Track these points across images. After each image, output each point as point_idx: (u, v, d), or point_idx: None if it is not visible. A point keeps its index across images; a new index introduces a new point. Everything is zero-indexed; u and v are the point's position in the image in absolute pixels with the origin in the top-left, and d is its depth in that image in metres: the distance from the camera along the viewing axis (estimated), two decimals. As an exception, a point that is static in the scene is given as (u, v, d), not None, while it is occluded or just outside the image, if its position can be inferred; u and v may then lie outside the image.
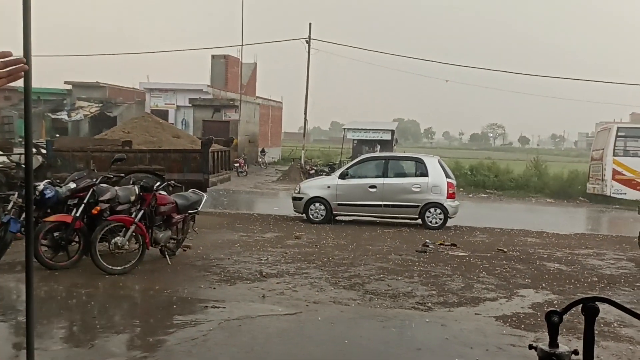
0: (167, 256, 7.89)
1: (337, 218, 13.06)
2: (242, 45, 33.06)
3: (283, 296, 6.38)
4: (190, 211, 8.34)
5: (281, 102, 44.56)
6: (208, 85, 33.26)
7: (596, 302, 1.60)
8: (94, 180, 7.46)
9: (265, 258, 8.43)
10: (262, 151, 34.29)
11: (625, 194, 20.05)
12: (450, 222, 12.79)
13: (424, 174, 12.83)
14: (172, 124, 24.86)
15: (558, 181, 24.14)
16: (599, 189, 21.02)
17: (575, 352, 1.63)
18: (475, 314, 6.00)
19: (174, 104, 32.26)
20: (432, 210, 12.60)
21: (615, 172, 20.42)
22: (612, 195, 20.47)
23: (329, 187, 13.03)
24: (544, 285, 7.40)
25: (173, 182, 8.33)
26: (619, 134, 20.98)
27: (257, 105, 36.71)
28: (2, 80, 1.73)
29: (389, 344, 4.98)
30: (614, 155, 20.59)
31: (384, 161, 13.51)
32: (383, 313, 5.89)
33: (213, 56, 36.35)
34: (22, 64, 1.76)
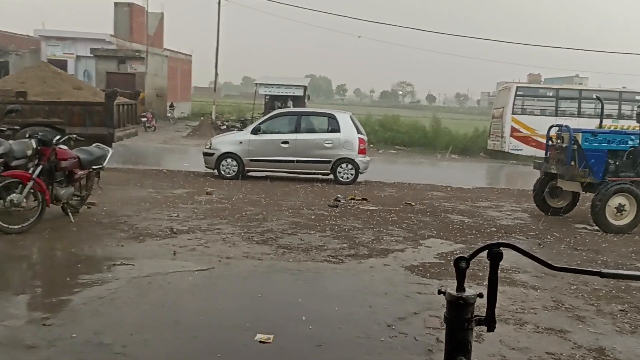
0: (69, 214, 7.51)
1: (249, 174, 12.96)
2: (147, -8, 31.35)
3: (195, 252, 6.29)
4: (94, 167, 7.94)
5: (190, 55, 43.00)
6: (111, 35, 31.40)
7: (500, 248, 1.67)
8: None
9: (176, 215, 8.24)
10: (171, 106, 33.11)
11: (522, 150, 21.30)
12: (361, 177, 13.06)
13: (336, 129, 12.94)
14: (72, 75, 23.35)
15: (462, 138, 25.25)
16: (499, 145, 22.20)
17: (480, 295, 1.70)
18: (385, 264, 6.21)
19: (73, 54, 30.22)
20: (343, 165, 12.80)
21: (513, 130, 21.61)
22: (510, 151, 21.70)
23: (241, 142, 12.86)
24: (448, 236, 7.77)
25: (75, 135, 7.86)
26: (518, 93, 22.12)
27: (165, 58, 35.21)
28: None
29: (302, 295, 5.07)
30: (512, 113, 21.73)
31: (296, 117, 13.48)
32: (296, 266, 5.96)
33: (116, 4, 34.26)
34: None
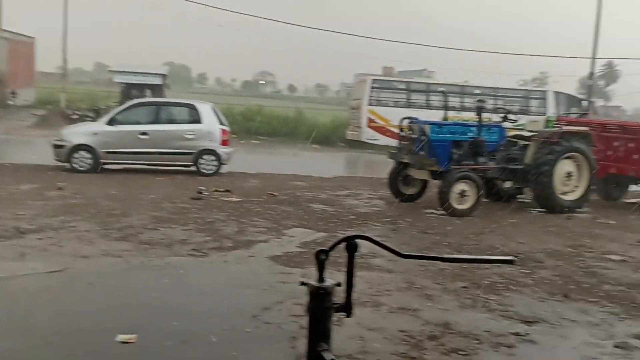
0: None
1: (106, 167, 12.31)
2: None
3: (47, 253, 5.89)
4: None
5: (34, 38, 39.50)
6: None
7: (356, 240, 1.81)
8: None
9: (23, 212, 7.63)
10: (13, 93, 30.24)
11: (378, 139, 22.42)
12: (224, 169, 12.99)
13: (198, 120, 12.72)
14: None
15: (322, 128, 25.98)
16: (357, 135, 23.19)
17: (339, 284, 1.83)
18: (249, 256, 6.29)
19: None
20: (206, 157, 12.63)
21: (369, 120, 22.67)
22: (367, 141, 22.74)
23: (95, 133, 12.17)
24: (310, 225, 8.03)
25: None
26: (374, 85, 23.24)
27: (3, 40, 32.02)
28: None
29: (165, 292, 4.98)
30: (369, 105, 22.79)
31: (155, 107, 13.04)
32: (158, 262, 5.83)
33: (-58, -23, 30.46)
34: None
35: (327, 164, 18.34)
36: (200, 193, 10.00)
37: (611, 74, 66.26)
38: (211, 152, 12.64)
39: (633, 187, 12.77)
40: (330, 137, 25.10)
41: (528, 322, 4.65)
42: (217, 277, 5.52)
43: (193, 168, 12.63)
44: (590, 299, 5.36)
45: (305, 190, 11.36)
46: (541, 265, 6.54)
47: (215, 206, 9.02)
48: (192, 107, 13.05)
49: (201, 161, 12.59)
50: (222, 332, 4.17)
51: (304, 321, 4.47)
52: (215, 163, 12.67)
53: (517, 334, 4.38)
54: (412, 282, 5.56)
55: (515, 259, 1.99)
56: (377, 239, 1.84)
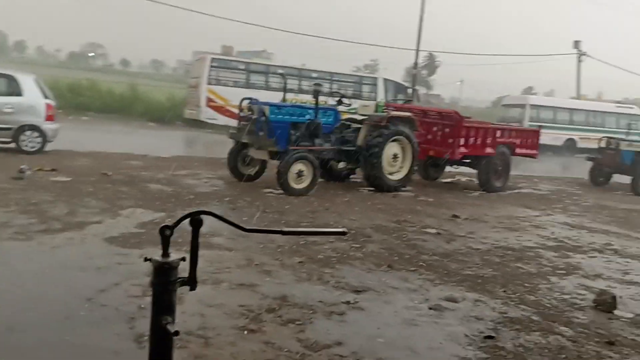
0: None
1: None
2: None
3: None
4: None
5: None
6: None
7: (201, 215, 1.88)
8: None
9: None
10: None
11: (217, 119, 22.24)
12: (49, 146, 12.03)
13: (18, 93, 11.60)
14: None
15: (159, 106, 25.08)
16: (195, 114, 22.75)
17: (183, 259, 1.89)
18: (82, 238, 5.98)
19: None
20: (28, 133, 11.61)
21: (208, 100, 22.37)
22: (206, 120, 22.45)
23: None
24: (147, 205, 7.81)
25: None
26: (213, 64, 22.92)
27: None
28: None
29: (-16, 279, 4.57)
30: (207, 83, 22.46)
31: (-35, 76, 11.61)
32: (-25, 247, 5.31)
33: None
34: None
35: (165, 143, 17.80)
36: (22, 172, 9.19)
37: (432, 64, 72.25)
38: (34, 127, 11.63)
39: (448, 168, 14.24)
40: (167, 115, 24.32)
41: (357, 291, 5.06)
42: (46, 260, 5.18)
43: (13, 145, 11.52)
44: (411, 268, 5.97)
45: (141, 169, 10.97)
46: (370, 239, 7.09)
47: (41, 186, 8.37)
48: (11, 78, 11.84)
49: (22, 138, 11.54)
50: (53, 317, 3.96)
51: (143, 301, 4.45)
52: (39, 140, 11.69)
53: (347, 303, 4.75)
54: (252, 259, 5.73)
55: (346, 230, 2.21)
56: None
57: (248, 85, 22.86)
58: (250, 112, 10.31)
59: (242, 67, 23.85)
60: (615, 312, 5.12)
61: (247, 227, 2.04)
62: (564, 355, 4.09)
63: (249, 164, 10.69)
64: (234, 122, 12.35)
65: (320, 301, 4.73)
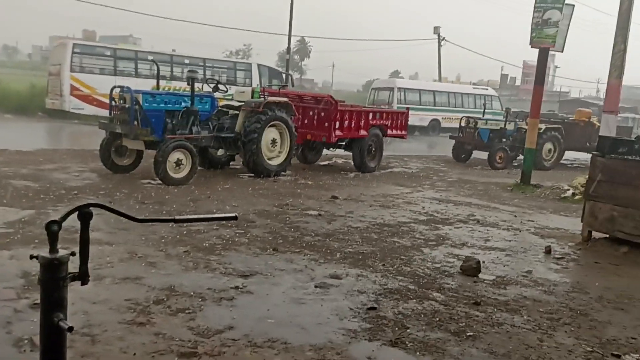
0: None
1: None
2: None
3: None
4: None
5: None
6: None
7: (90, 208, 1.86)
8: None
9: None
10: None
11: (84, 109, 20.99)
12: None
13: None
14: None
15: (16, 96, 23.12)
16: (59, 104, 21.27)
17: (73, 254, 1.86)
18: (-61, 243, 5.46)
19: None
20: None
21: (73, 88, 21.00)
22: (72, 110, 21.09)
23: None
24: (13, 203, 7.27)
25: None
26: (75, 50, 21.51)
27: None
28: None
29: None
30: (71, 71, 21.06)
31: None
32: None
33: None
34: None
35: (25, 135, 16.50)
36: None
37: (304, 49, 73.33)
38: None
39: (325, 151, 14.67)
40: (26, 105, 22.50)
41: (245, 276, 5.14)
42: None
43: None
44: (295, 250, 6.15)
45: (1, 165, 10.13)
46: (253, 224, 7.18)
47: None
48: None
49: None
50: None
51: (19, 304, 4.23)
52: None
53: (236, 288, 4.82)
54: (135, 252, 5.58)
55: (237, 214, 2.28)
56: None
57: (116, 72, 21.78)
58: (122, 101, 9.90)
59: (109, 53, 22.60)
60: (480, 275, 5.67)
61: (139, 217, 2.05)
62: (437, 318, 4.47)
63: (124, 154, 10.29)
64: (103, 112, 11.78)
65: (209, 288, 4.75)
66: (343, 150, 14.14)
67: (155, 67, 13.24)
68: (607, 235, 7.25)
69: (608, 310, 4.99)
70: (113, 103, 10.15)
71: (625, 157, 7.16)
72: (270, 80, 25.05)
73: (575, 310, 4.90)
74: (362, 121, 13.31)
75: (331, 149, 14.02)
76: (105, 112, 10.49)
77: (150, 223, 6.02)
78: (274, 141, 11.30)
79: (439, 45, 44.89)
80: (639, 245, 6.79)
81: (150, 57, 21.24)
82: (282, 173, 11.53)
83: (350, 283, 5.18)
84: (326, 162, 14.66)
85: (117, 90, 10.12)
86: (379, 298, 4.84)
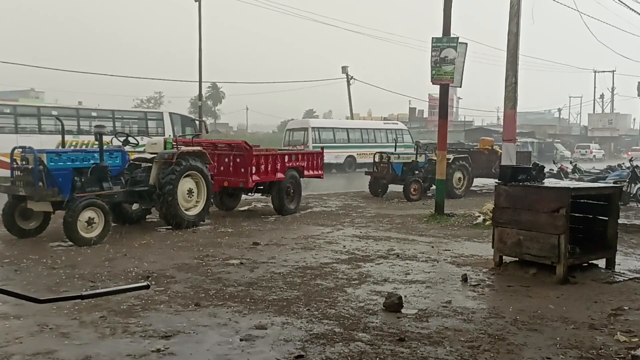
0: None
1: None
2: None
3: None
4: None
5: None
6: None
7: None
8: None
9: None
10: None
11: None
12: None
13: None
14: None
15: None
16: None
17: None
18: None
19: None
20: None
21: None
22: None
23: None
24: None
25: None
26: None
27: None
28: None
29: None
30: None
31: None
32: None
33: None
34: None
35: None
36: None
37: (217, 94, 73.25)
38: None
39: (244, 196, 14.60)
40: None
41: (167, 337, 4.97)
42: None
43: None
44: (218, 303, 6.03)
45: None
46: (173, 280, 6.98)
47: None
48: None
49: None
50: None
51: None
52: None
53: (158, 350, 4.64)
54: (45, 324, 5.27)
55: (149, 284, 2.23)
56: (4, 286, 1.82)
57: (17, 130, 20.75)
58: (24, 162, 9.43)
59: (8, 110, 21.51)
60: (402, 310, 5.79)
61: (42, 298, 1.97)
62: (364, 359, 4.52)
63: (30, 217, 9.75)
64: (4, 173, 11.15)
65: (128, 354, 4.55)
66: (261, 194, 14.12)
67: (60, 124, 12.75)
68: (517, 259, 7.64)
69: (523, 332, 5.23)
70: (14, 165, 9.66)
71: (525, 183, 7.64)
72: (183, 128, 24.78)
73: (493, 335, 5.10)
74: (279, 164, 13.40)
75: (250, 193, 13.98)
76: (7, 173, 9.93)
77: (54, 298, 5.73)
78: (190, 191, 11.13)
79: (348, 84, 46.32)
80: (545, 266, 7.21)
81: (54, 112, 20.46)
82: (201, 223, 11.34)
83: (276, 332, 5.13)
84: (246, 207, 14.58)
85: (19, 150, 9.66)
86: (305, 345, 4.82)
